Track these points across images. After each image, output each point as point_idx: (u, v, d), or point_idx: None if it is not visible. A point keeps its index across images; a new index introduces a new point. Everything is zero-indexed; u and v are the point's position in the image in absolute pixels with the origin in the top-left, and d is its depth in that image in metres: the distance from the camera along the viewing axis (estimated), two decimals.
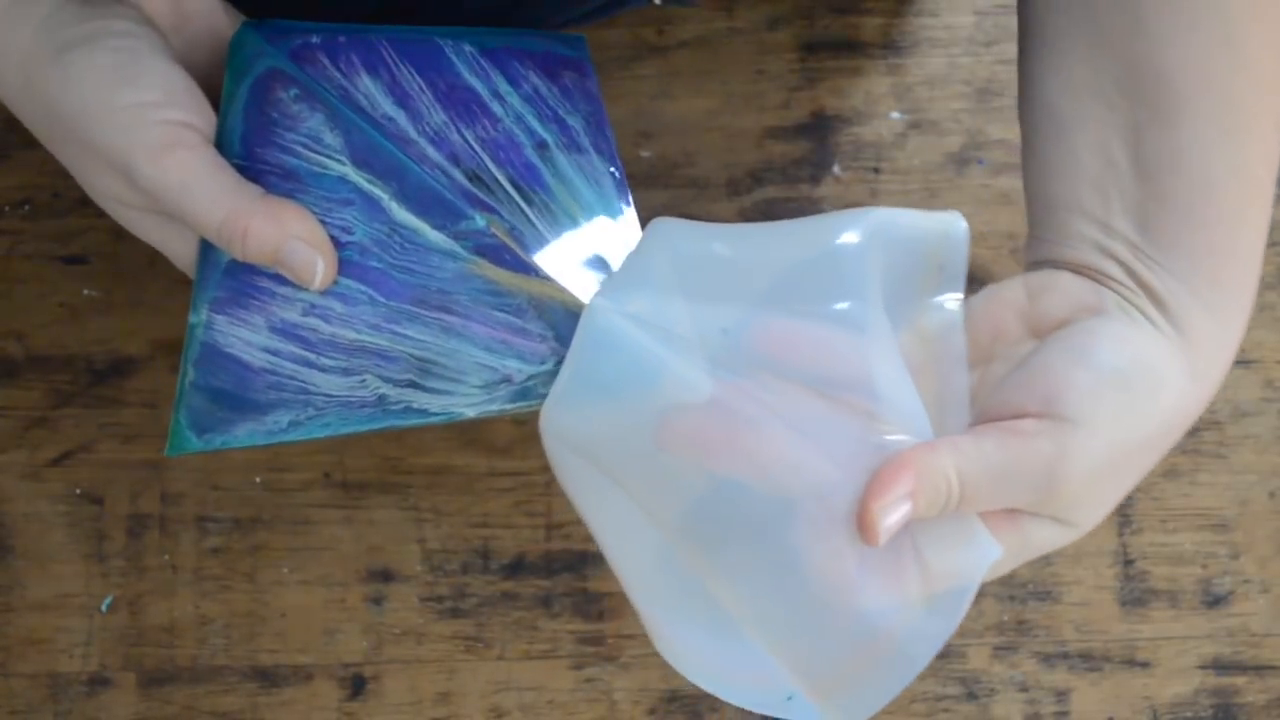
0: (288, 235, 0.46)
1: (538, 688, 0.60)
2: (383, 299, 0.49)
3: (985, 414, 0.43)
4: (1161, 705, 0.61)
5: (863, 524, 0.40)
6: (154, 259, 0.65)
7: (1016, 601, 0.62)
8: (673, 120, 0.66)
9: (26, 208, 0.65)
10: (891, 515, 0.40)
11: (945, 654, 0.61)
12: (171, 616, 0.61)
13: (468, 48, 0.52)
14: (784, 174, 0.65)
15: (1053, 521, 0.43)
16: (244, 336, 0.49)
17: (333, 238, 0.48)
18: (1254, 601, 0.62)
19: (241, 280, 0.49)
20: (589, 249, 0.51)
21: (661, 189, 0.65)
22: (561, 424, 0.44)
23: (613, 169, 0.52)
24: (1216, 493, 0.63)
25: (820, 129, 0.66)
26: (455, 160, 0.50)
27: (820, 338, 0.42)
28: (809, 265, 0.43)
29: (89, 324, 0.64)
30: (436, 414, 0.48)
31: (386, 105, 0.50)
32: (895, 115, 0.66)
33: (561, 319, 0.49)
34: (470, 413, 0.48)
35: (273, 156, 0.49)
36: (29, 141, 0.66)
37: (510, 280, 0.49)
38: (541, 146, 0.51)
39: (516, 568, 0.62)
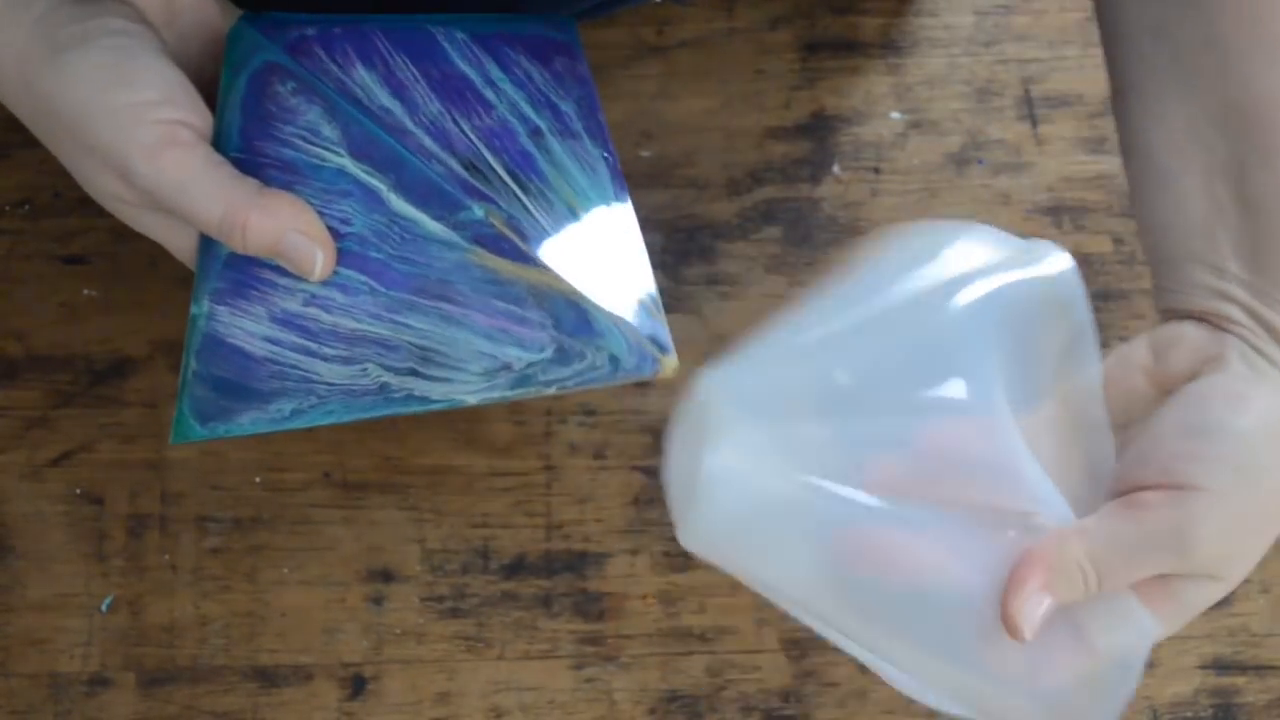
0: (286, 228, 0.47)
1: (538, 688, 0.60)
2: (383, 289, 0.49)
3: (1112, 490, 0.43)
4: (1161, 705, 0.61)
5: (1008, 625, 0.41)
6: (154, 259, 0.65)
7: None
8: (673, 120, 0.66)
9: (26, 208, 0.65)
10: (1033, 610, 0.41)
11: None
12: (171, 616, 0.61)
13: (459, 35, 0.52)
14: (784, 174, 0.65)
15: (1204, 579, 0.43)
16: (245, 327, 0.49)
17: (332, 229, 0.48)
18: (1254, 601, 0.62)
19: (242, 272, 0.49)
20: (586, 236, 0.51)
21: (661, 189, 0.65)
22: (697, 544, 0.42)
23: (605, 154, 0.52)
24: None
25: (820, 129, 0.66)
26: (452, 150, 0.50)
27: (953, 438, 0.41)
28: (920, 355, 0.41)
29: (89, 324, 0.64)
30: (437, 401, 0.48)
31: (383, 96, 0.50)
32: (895, 115, 0.67)
33: (560, 307, 0.49)
34: (471, 399, 0.49)
35: (271, 149, 0.49)
36: (29, 141, 0.66)
37: (508, 269, 0.49)
38: (536, 133, 0.51)
39: (516, 568, 0.62)
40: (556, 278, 0.49)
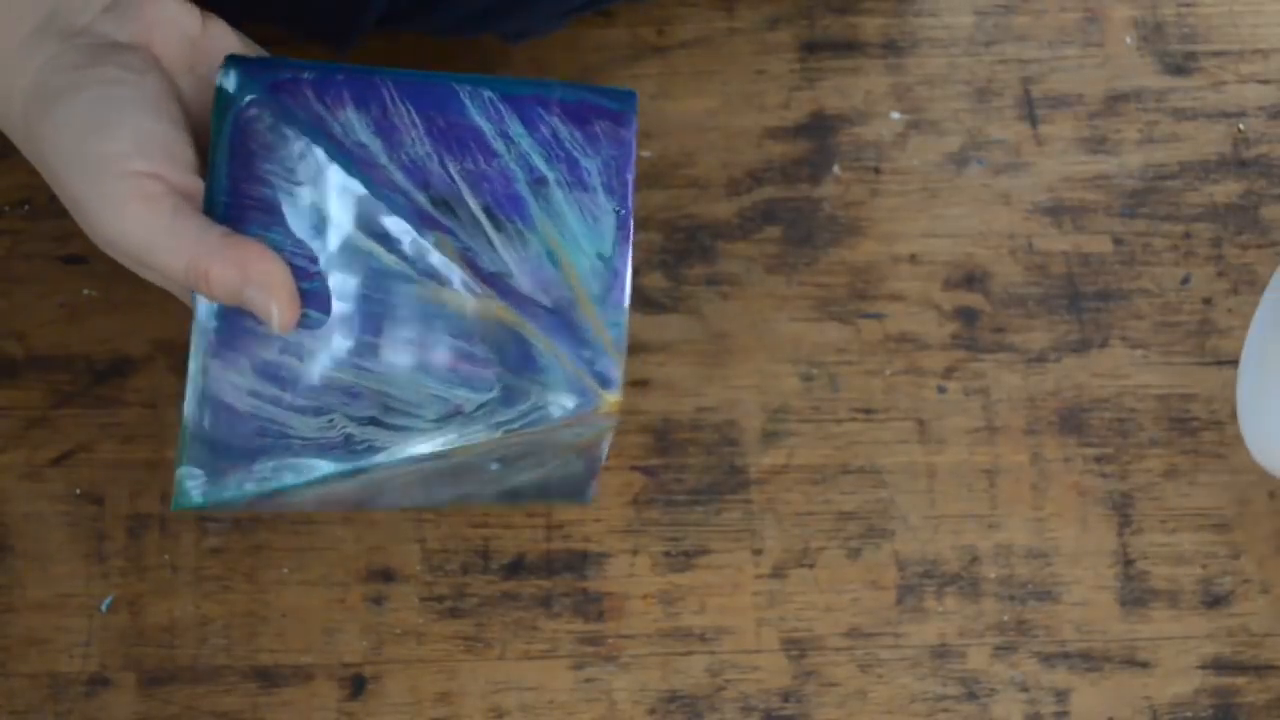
0: (247, 279, 0.46)
1: (538, 688, 0.60)
2: (342, 331, 0.48)
3: None
4: (1161, 705, 0.61)
5: None
6: None
7: (1016, 601, 0.62)
8: (673, 120, 0.66)
9: (26, 208, 0.65)
10: None
11: (945, 654, 0.61)
12: (171, 616, 0.61)
13: (487, 93, 0.50)
14: (784, 174, 0.65)
15: None
16: (233, 380, 0.48)
17: (302, 269, 0.47)
18: (1254, 601, 0.62)
19: (228, 321, 0.48)
20: (560, 276, 0.49)
21: (662, 189, 0.65)
22: None
23: (619, 208, 0.50)
24: (1216, 493, 0.63)
25: (820, 129, 0.66)
26: (425, 186, 0.48)
27: None
28: None
29: (89, 324, 0.64)
30: (397, 461, 0.48)
31: (363, 134, 0.48)
32: (895, 115, 0.67)
33: (505, 341, 0.48)
34: (424, 448, 0.47)
35: (254, 190, 0.48)
36: None
37: (455, 301, 0.48)
38: (539, 182, 0.50)
39: (516, 568, 0.62)
40: (504, 309, 0.48)
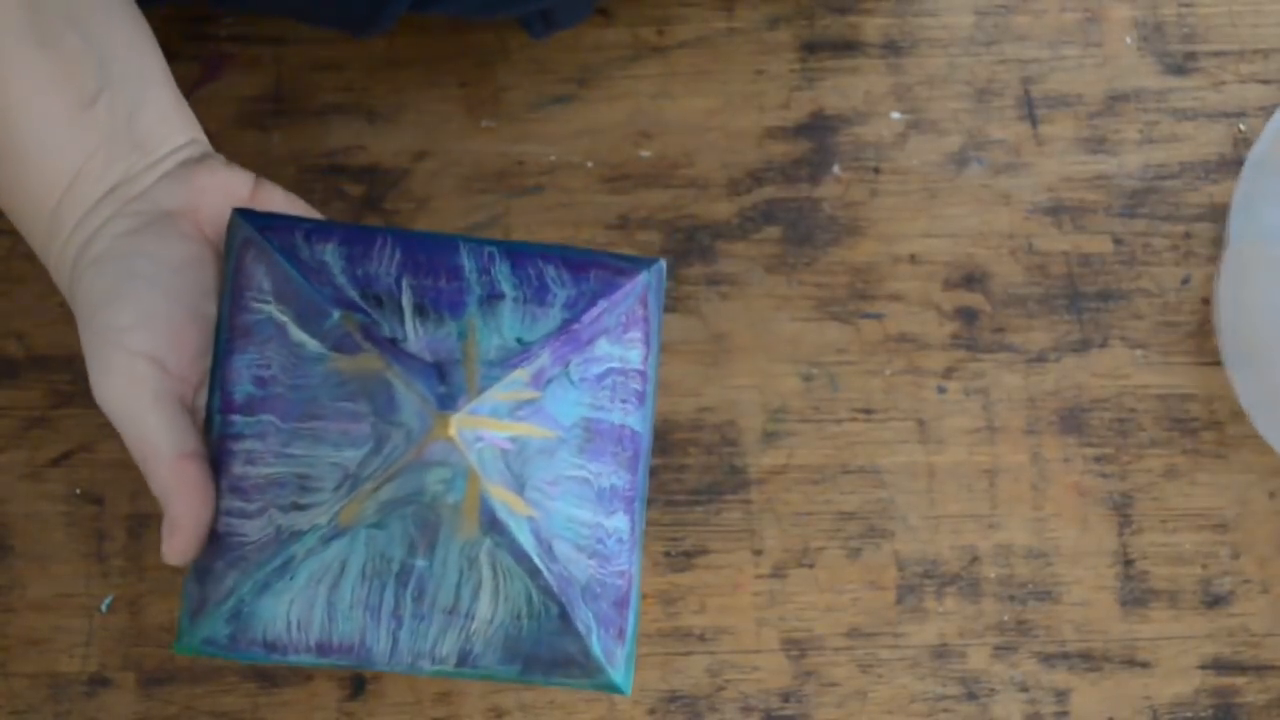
0: (167, 510, 0.49)
1: (537, 687, 0.60)
2: (281, 423, 0.49)
3: None
4: (1161, 705, 0.61)
5: None
6: None
7: (1016, 601, 0.62)
8: (673, 120, 0.66)
9: None
10: None
11: (945, 654, 0.61)
12: (171, 617, 0.61)
13: (490, 248, 0.51)
14: (784, 174, 0.65)
15: None
16: (218, 506, 0.50)
17: (258, 377, 0.49)
18: (1254, 601, 0.62)
19: (218, 449, 0.50)
20: (453, 346, 0.49)
21: (661, 189, 0.65)
22: None
23: (569, 317, 0.50)
24: (1216, 493, 0.63)
25: (820, 129, 0.66)
26: (364, 285, 0.50)
27: None
28: None
29: None
30: (302, 564, 0.49)
31: (328, 257, 0.50)
32: (895, 115, 0.67)
33: (376, 388, 0.48)
34: (322, 518, 0.48)
35: (239, 319, 0.50)
36: None
37: (348, 365, 0.49)
38: (493, 298, 0.50)
39: None
40: (378, 360, 0.48)
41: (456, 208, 0.65)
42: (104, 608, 0.61)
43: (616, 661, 0.50)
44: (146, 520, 0.62)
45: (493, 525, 0.47)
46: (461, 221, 0.65)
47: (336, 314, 0.49)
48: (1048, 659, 0.61)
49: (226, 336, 0.50)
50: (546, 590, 0.49)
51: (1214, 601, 0.62)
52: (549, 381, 0.49)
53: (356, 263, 0.50)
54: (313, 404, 0.49)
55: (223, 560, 0.49)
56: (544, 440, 0.49)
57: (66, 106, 0.50)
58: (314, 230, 0.51)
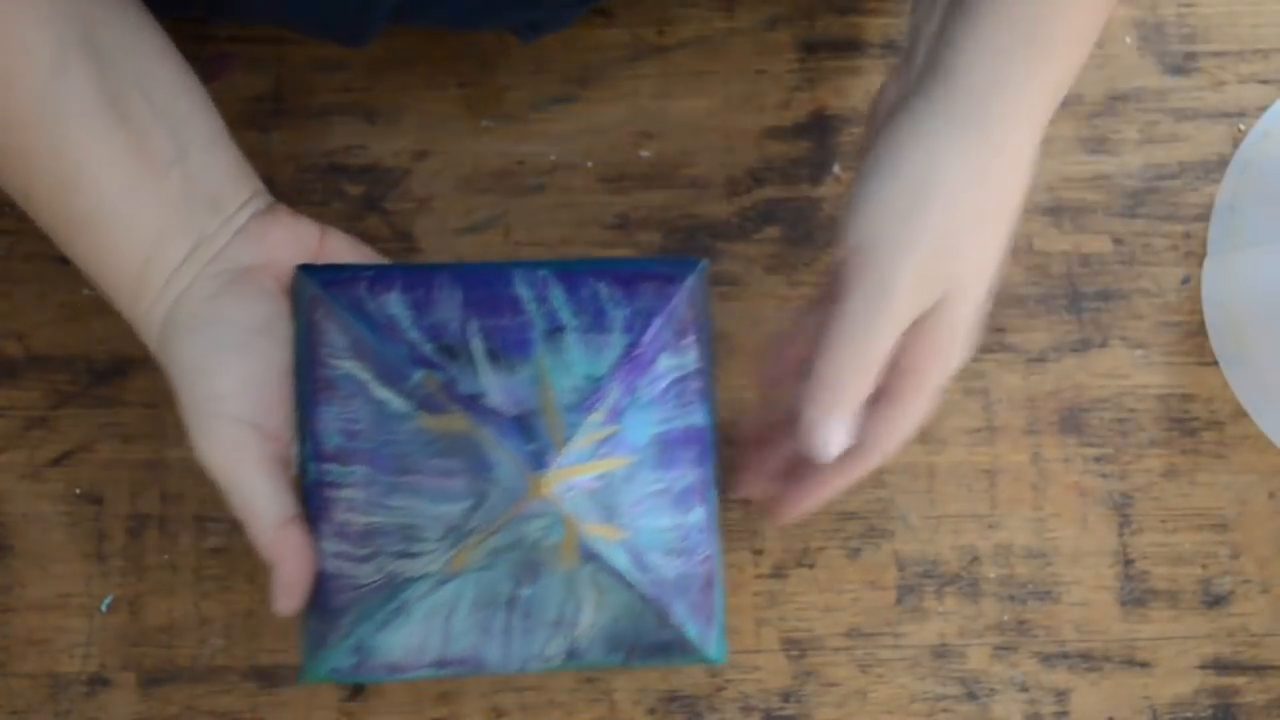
0: (278, 571, 0.52)
1: (538, 688, 0.60)
2: (378, 474, 0.52)
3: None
4: (1161, 705, 0.61)
5: (814, 455, 0.51)
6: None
7: (1016, 601, 0.62)
8: (673, 120, 0.66)
9: None
10: (830, 434, 0.51)
11: (945, 654, 0.61)
12: (171, 616, 0.61)
13: (543, 271, 0.54)
14: (784, 174, 0.65)
15: (941, 306, 0.51)
16: (324, 548, 0.53)
17: (346, 430, 0.53)
18: (1254, 601, 0.62)
19: (317, 495, 0.53)
20: (530, 394, 0.52)
21: (661, 189, 0.65)
22: None
23: (630, 339, 0.53)
24: (1216, 493, 0.63)
25: (820, 129, 0.66)
26: (436, 336, 0.53)
27: None
28: None
29: (89, 324, 0.64)
30: (417, 604, 0.52)
31: (395, 308, 0.53)
32: None
33: (469, 449, 0.51)
34: (432, 567, 0.51)
35: (318, 374, 0.53)
36: None
37: (436, 425, 0.52)
38: (556, 331, 0.53)
39: None
40: (466, 420, 0.51)
41: (456, 208, 0.65)
42: (104, 608, 0.61)
43: (709, 641, 0.54)
44: (146, 520, 0.62)
45: (591, 556, 0.51)
46: (462, 221, 0.65)
47: (418, 375, 0.52)
48: (1048, 659, 0.61)
49: (310, 388, 0.53)
50: (644, 599, 0.52)
51: (1214, 601, 0.62)
52: (622, 412, 0.53)
53: (422, 310, 0.53)
54: (406, 459, 0.52)
55: (338, 600, 0.53)
56: (626, 469, 0.53)
57: (143, 175, 0.52)
58: (376, 278, 0.53)
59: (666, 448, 0.54)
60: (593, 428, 0.52)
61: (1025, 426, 0.63)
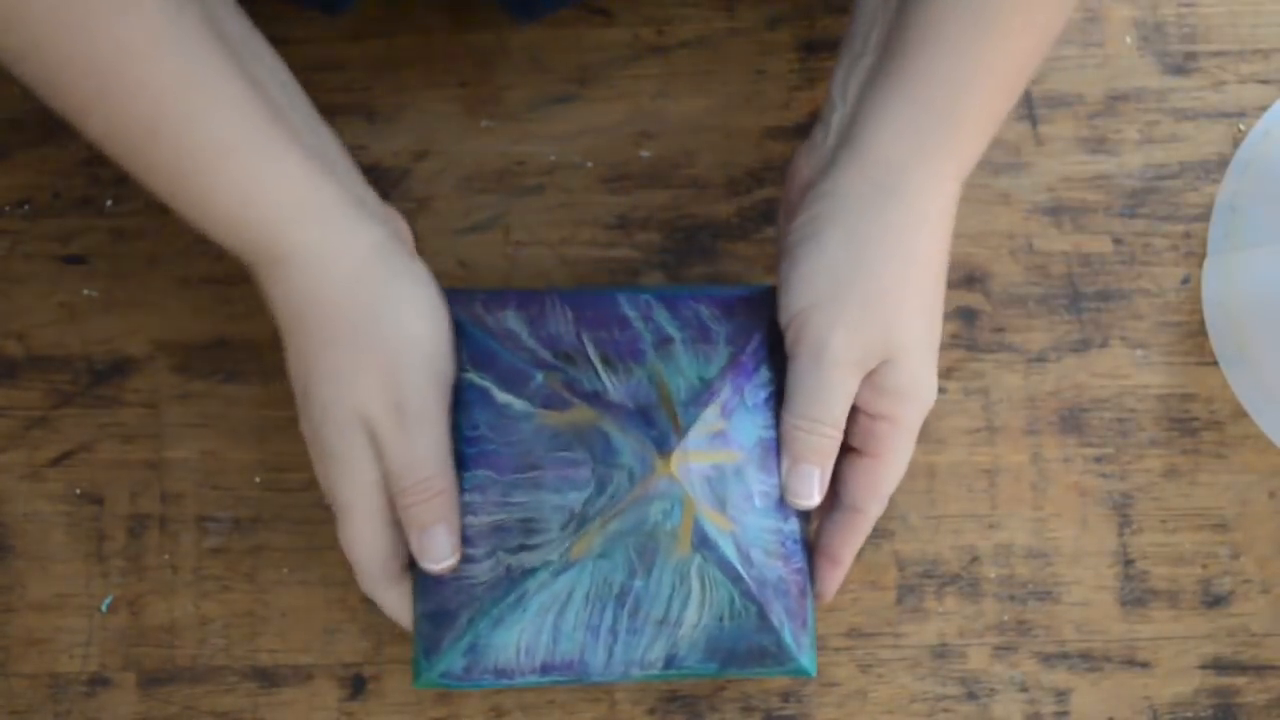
0: (431, 523, 0.54)
1: (538, 687, 0.60)
2: (498, 476, 0.55)
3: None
4: (1161, 705, 0.61)
5: (793, 504, 0.56)
6: (154, 259, 0.65)
7: (1016, 601, 0.62)
8: (673, 120, 0.66)
9: (26, 208, 0.65)
10: (802, 484, 0.56)
11: (945, 654, 0.61)
12: (171, 616, 0.61)
13: (645, 296, 0.57)
14: (784, 174, 0.65)
15: (887, 362, 0.54)
16: None
17: (468, 437, 0.55)
18: (1254, 601, 0.62)
19: None
20: (648, 391, 0.55)
21: (661, 189, 0.65)
22: None
23: (733, 348, 0.56)
24: (1216, 493, 0.63)
25: None
26: (553, 345, 0.56)
27: None
28: None
29: (89, 324, 0.64)
30: (534, 597, 0.54)
31: (512, 323, 0.56)
32: None
33: (593, 438, 0.54)
34: (553, 555, 0.53)
35: (458, 380, 0.56)
36: (29, 141, 0.66)
37: (559, 419, 0.55)
38: (664, 342, 0.56)
39: None
40: (590, 412, 0.54)
41: (456, 208, 0.65)
42: (104, 608, 0.61)
43: (804, 648, 0.56)
44: (146, 520, 0.62)
45: (703, 543, 0.53)
46: (462, 221, 0.65)
47: (540, 375, 0.55)
48: (1048, 659, 0.61)
49: (455, 401, 0.56)
50: (747, 594, 0.54)
51: (1214, 601, 0.62)
52: (732, 412, 0.55)
53: (538, 325, 0.56)
54: (529, 456, 0.54)
55: (454, 602, 0.54)
56: (735, 463, 0.55)
57: (280, 116, 0.53)
58: (490, 299, 0.57)
59: (768, 453, 0.56)
60: (708, 420, 0.54)
61: (1025, 426, 0.63)
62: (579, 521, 0.53)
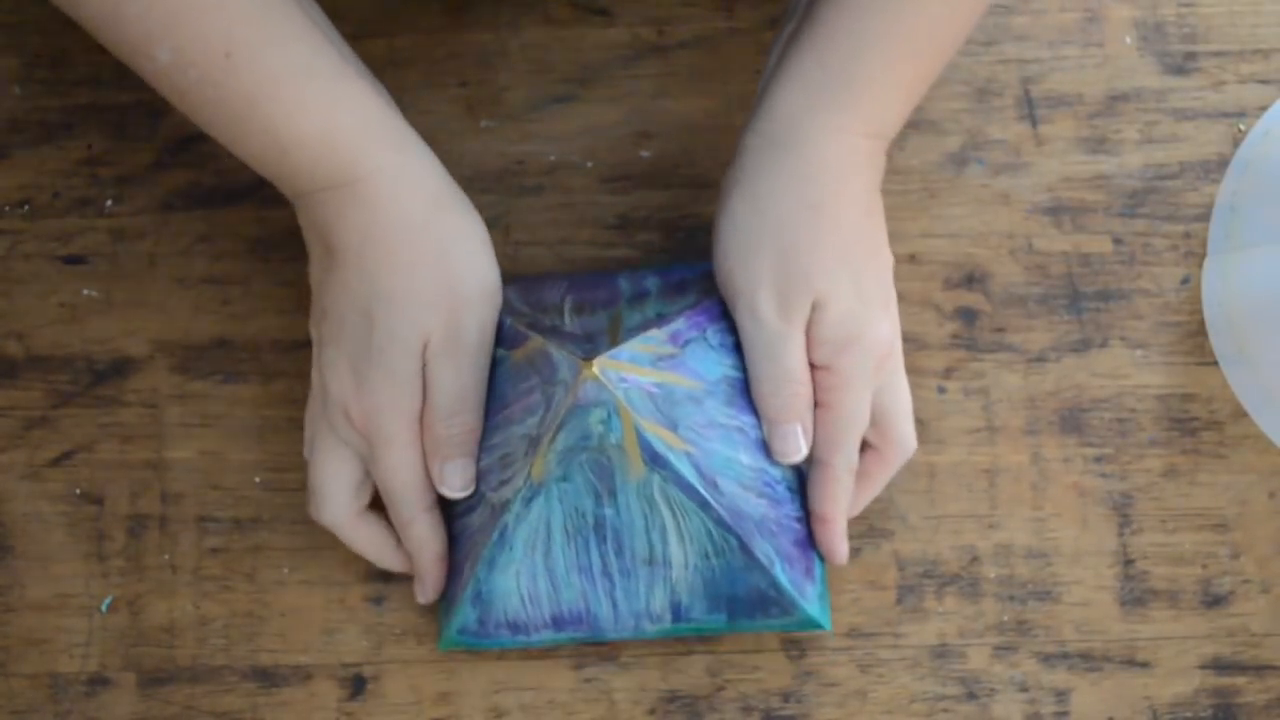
0: (459, 456, 0.57)
1: (537, 688, 0.60)
2: (487, 424, 0.57)
3: None
4: (1161, 705, 0.61)
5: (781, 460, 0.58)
6: (154, 259, 0.65)
7: (1016, 601, 0.62)
8: (673, 120, 0.66)
9: (26, 208, 0.65)
10: (789, 443, 0.56)
11: (945, 654, 0.61)
12: (171, 616, 0.61)
13: (646, 278, 0.61)
14: None
15: (823, 325, 0.55)
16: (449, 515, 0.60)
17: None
18: (1254, 601, 0.62)
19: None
20: (601, 324, 0.57)
21: (662, 189, 0.65)
22: None
23: (701, 298, 0.58)
24: (1216, 493, 0.63)
25: None
26: (539, 306, 0.59)
27: None
28: None
29: (89, 324, 0.64)
30: (515, 533, 0.56)
31: (509, 294, 0.59)
32: None
33: (539, 360, 0.55)
34: (520, 482, 0.54)
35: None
36: (29, 141, 0.66)
37: (520, 354, 0.56)
38: (640, 296, 0.59)
39: None
40: (537, 339, 0.55)
41: None
42: (104, 608, 0.61)
43: (809, 596, 0.57)
44: (146, 520, 0.62)
45: (654, 459, 0.53)
46: None
47: (508, 320, 0.57)
48: (1048, 659, 0.61)
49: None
50: (720, 522, 0.55)
51: (1214, 601, 0.62)
52: (687, 342, 0.56)
53: (530, 294, 0.60)
54: (501, 399, 0.56)
55: (459, 554, 0.58)
56: (689, 390, 0.55)
57: (344, 54, 0.56)
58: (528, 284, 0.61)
59: (736, 390, 0.56)
60: (651, 340, 0.55)
61: (1025, 426, 0.63)
62: (532, 442, 0.54)
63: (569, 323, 0.58)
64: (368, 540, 0.58)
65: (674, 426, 0.54)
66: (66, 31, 0.64)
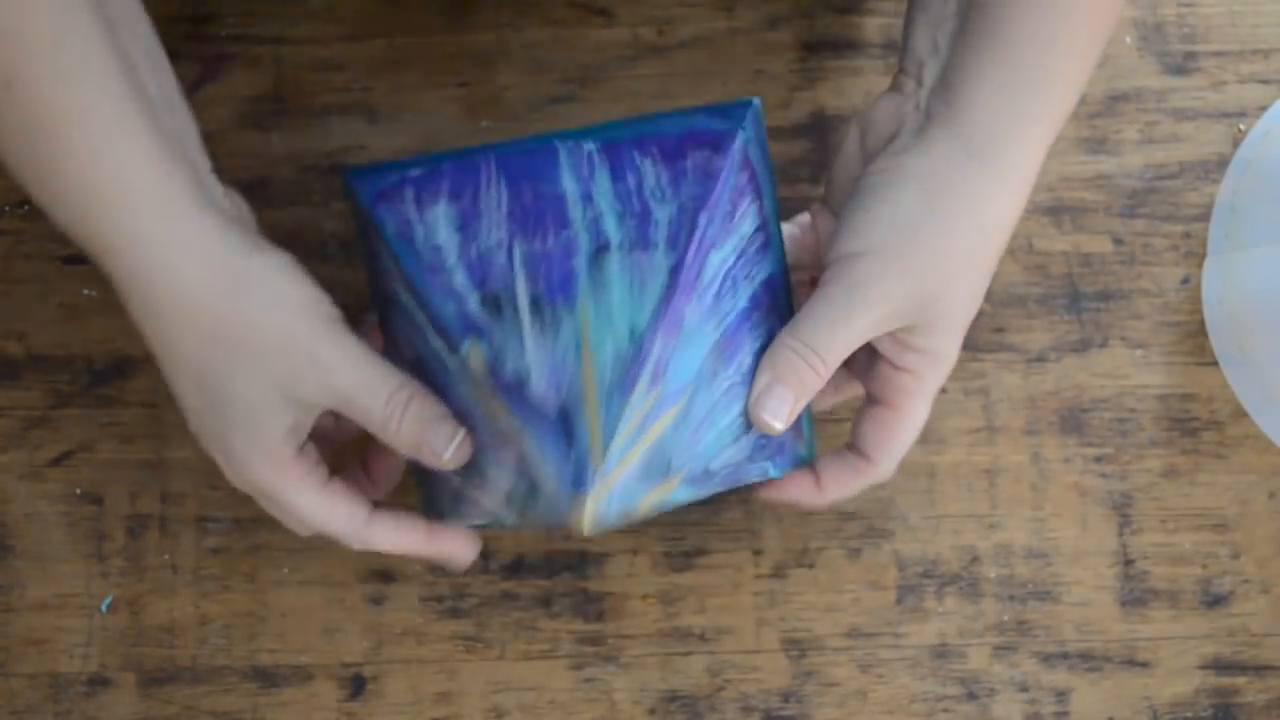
0: (436, 415, 0.52)
1: (538, 688, 0.60)
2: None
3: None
4: (1161, 705, 0.61)
5: (759, 426, 0.53)
6: None
7: (1016, 601, 0.62)
8: None
9: (26, 208, 0.65)
10: (776, 406, 0.53)
11: (945, 654, 0.61)
12: (171, 616, 0.61)
13: (590, 146, 0.52)
14: (784, 174, 0.65)
15: (916, 329, 0.52)
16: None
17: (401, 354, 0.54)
18: (1254, 601, 0.62)
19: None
20: (573, 374, 0.51)
21: None
22: None
23: (673, 263, 0.51)
24: (1216, 493, 0.63)
25: (820, 129, 0.66)
26: (482, 284, 0.52)
27: None
28: None
29: (89, 324, 0.64)
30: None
31: (442, 234, 0.52)
32: None
33: (510, 443, 0.51)
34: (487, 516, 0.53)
35: (379, 285, 0.54)
36: None
37: (486, 406, 0.52)
38: (600, 250, 0.52)
39: (516, 568, 0.62)
40: (508, 414, 0.51)
41: None
42: (104, 608, 0.61)
43: (804, 454, 0.56)
44: (146, 520, 0.62)
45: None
46: None
47: (466, 344, 0.51)
48: (1048, 659, 0.61)
49: (375, 298, 0.55)
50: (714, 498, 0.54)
51: (1214, 601, 0.62)
52: (665, 365, 0.51)
53: (469, 232, 0.52)
54: (468, 417, 0.52)
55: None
56: (679, 411, 0.51)
57: (144, 106, 0.50)
58: (423, 181, 0.52)
59: (721, 352, 0.52)
60: (636, 405, 0.50)
61: (1025, 426, 0.63)
62: (529, 506, 0.52)
63: (531, 359, 0.51)
64: (383, 542, 0.55)
65: (667, 468, 0.51)
66: None
